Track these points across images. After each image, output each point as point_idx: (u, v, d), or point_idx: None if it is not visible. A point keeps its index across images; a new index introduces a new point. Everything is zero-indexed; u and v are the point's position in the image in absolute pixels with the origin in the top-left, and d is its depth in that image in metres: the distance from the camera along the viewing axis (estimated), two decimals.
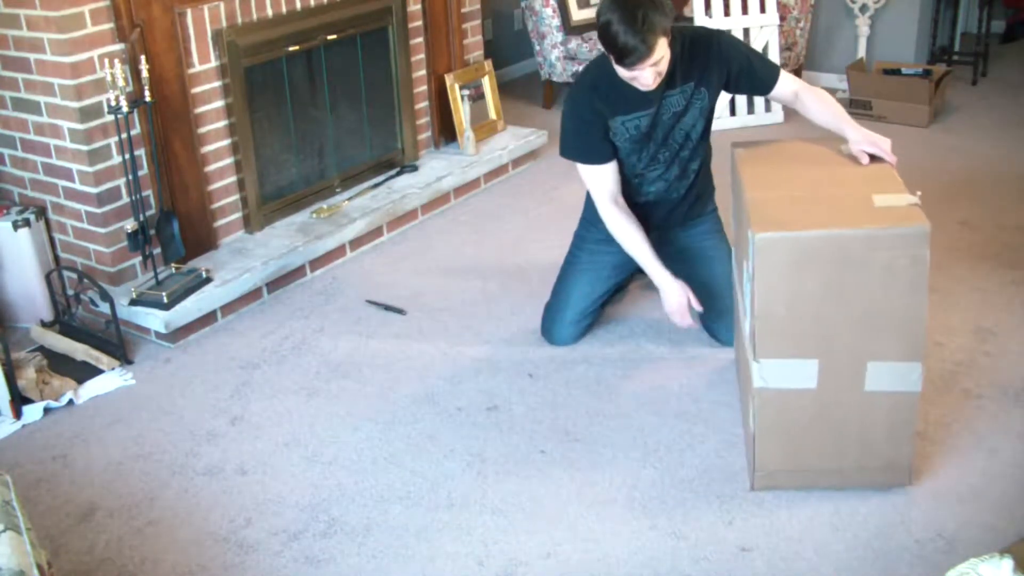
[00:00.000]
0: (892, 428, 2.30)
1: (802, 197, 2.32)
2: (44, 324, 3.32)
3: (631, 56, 2.44)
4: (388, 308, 3.41)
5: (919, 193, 2.26)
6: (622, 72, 2.53)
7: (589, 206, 2.96)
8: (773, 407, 2.30)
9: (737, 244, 2.59)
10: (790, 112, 5.17)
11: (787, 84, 2.75)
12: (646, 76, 2.50)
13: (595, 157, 2.78)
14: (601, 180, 2.80)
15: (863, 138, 2.51)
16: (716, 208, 3.06)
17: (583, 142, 2.78)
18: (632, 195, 2.89)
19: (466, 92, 4.37)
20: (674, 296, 2.77)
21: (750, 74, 2.72)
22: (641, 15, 2.38)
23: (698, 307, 2.82)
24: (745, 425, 2.50)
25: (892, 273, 2.14)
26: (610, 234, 2.84)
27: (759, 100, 5.08)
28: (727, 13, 4.98)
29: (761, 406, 2.30)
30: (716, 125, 4.92)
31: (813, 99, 2.71)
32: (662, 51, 2.46)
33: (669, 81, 2.64)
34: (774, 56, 5.01)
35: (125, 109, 3.00)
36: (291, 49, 3.66)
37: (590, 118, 2.73)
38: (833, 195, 2.32)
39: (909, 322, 2.19)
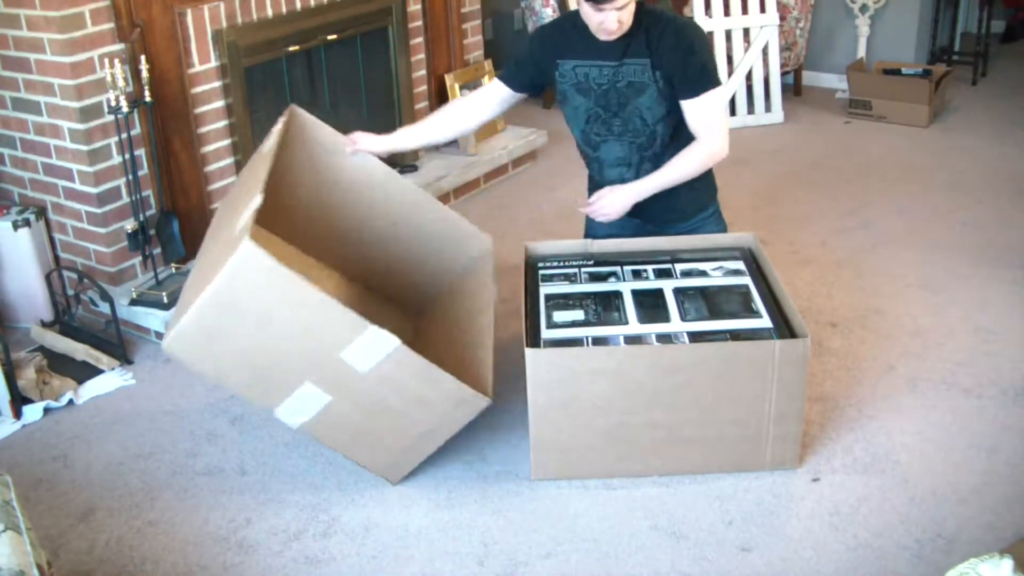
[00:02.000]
0: (420, 372, 2.32)
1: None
2: (44, 324, 3.32)
3: None
4: None
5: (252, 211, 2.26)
6: (589, 15, 2.58)
7: (589, 178, 3.00)
8: (321, 432, 2.39)
9: None
10: (790, 112, 5.17)
11: (700, 116, 2.66)
12: (610, 20, 2.56)
13: (508, 73, 2.88)
14: (490, 88, 2.91)
15: (610, 190, 2.67)
16: (716, 211, 2.99)
17: (515, 61, 2.87)
18: (598, 180, 2.90)
19: (466, 92, 4.37)
20: None
21: (682, 72, 2.63)
22: None
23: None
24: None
25: (255, 300, 2.17)
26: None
27: (759, 99, 5.08)
28: (727, 13, 4.98)
29: (317, 437, 2.41)
30: None
31: (689, 148, 2.70)
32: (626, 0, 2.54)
33: (628, 47, 2.65)
34: (774, 56, 5.01)
35: (125, 109, 3.00)
36: (291, 49, 3.66)
37: (536, 49, 2.80)
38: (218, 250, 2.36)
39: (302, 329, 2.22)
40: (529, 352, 2.34)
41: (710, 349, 2.37)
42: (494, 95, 2.89)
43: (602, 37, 2.62)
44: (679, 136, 2.76)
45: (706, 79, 2.64)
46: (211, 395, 2.96)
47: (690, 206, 2.89)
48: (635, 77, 2.66)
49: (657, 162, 2.78)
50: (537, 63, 2.80)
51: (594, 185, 2.94)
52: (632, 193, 2.71)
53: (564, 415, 2.40)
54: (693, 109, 2.66)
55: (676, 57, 2.61)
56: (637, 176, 2.80)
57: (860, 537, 2.28)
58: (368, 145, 2.89)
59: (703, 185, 2.89)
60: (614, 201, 2.71)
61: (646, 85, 2.66)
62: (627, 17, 2.58)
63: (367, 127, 4.09)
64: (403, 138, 2.97)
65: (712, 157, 2.72)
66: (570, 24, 2.73)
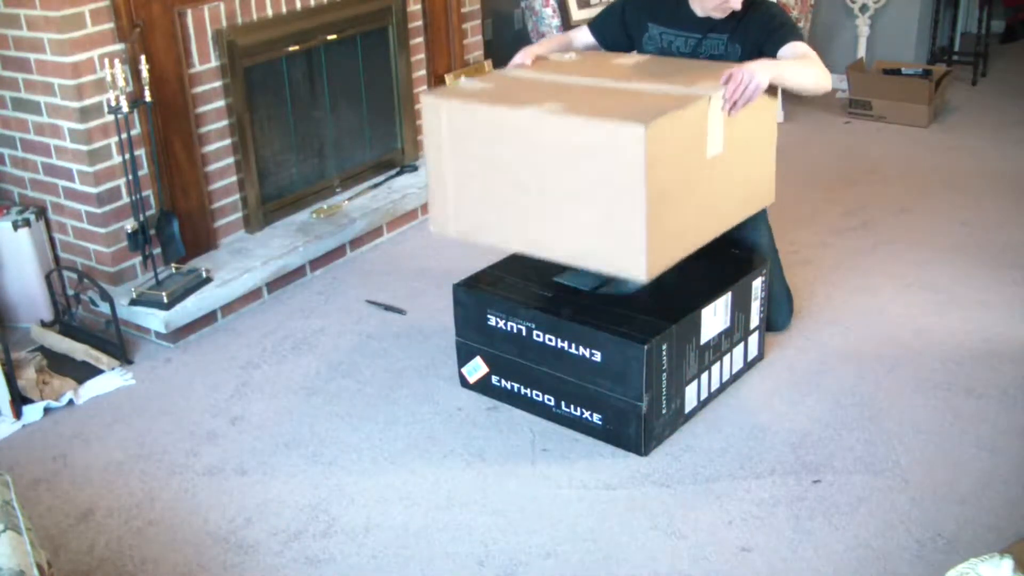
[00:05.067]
0: None
1: None
2: (44, 324, 3.32)
3: None
4: (388, 308, 3.41)
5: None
6: None
7: None
8: None
9: None
10: (790, 112, 5.17)
11: (800, 55, 2.70)
12: None
13: (597, 25, 3.00)
14: (580, 31, 3.04)
15: (743, 66, 2.48)
16: None
17: (605, 15, 3.00)
18: None
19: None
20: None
21: (768, 34, 2.73)
22: None
23: None
24: None
25: None
26: None
27: None
28: None
29: None
30: None
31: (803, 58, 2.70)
32: None
33: (715, 24, 2.78)
34: None
35: (125, 109, 3.00)
36: (291, 49, 3.66)
37: (629, 9, 2.92)
38: None
39: None
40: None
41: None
42: (581, 40, 3.02)
43: (716, 15, 2.73)
44: None
45: (790, 31, 2.72)
46: (211, 395, 2.96)
47: None
48: (714, 51, 2.81)
49: None
50: (626, 24, 2.93)
51: None
52: (769, 66, 2.51)
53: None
54: (790, 54, 2.69)
55: (758, 26, 2.74)
56: None
57: (860, 537, 2.28)
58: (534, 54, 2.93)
59: None
60: (755, 72, 2.44)
61: (720, 58, 2.79)
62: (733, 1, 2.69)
63: (367, 127, 4.11)
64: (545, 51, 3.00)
65: (824, 74, 2.62)
66: None
